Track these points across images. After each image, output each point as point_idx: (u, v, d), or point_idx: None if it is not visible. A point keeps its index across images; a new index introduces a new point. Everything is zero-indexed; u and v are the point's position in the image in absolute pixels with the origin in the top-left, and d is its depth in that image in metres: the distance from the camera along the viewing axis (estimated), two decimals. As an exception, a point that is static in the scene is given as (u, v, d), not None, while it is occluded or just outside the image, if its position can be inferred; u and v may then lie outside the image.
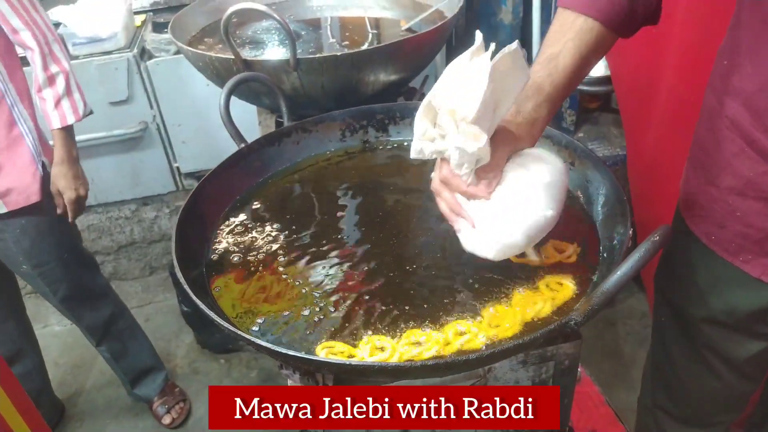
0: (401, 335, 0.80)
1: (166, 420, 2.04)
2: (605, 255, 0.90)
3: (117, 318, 1.91)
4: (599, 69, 2.11)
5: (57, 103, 1.50)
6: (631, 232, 0.84)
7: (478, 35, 0.74)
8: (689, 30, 1.39)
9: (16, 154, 1.49)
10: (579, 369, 1.59)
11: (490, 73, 0.69)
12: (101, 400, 2.20)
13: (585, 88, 2.02)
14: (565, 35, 0.81)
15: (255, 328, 0.85)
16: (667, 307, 1.09)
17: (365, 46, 1.57)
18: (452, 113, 0.72)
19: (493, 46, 0.73)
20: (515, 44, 0.71)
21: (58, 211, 1.59)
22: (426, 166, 1.17)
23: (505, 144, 0.78)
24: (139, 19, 2.37)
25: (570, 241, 0.93)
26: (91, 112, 1.60)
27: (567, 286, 0.86)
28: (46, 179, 1.55)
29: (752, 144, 0.81)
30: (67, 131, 1.54)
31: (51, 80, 1.49)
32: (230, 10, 1.19)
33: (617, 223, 0.89)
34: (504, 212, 0.77)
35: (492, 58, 0.71)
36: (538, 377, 0.92)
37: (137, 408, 2.13)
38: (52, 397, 2.08)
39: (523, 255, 0.87)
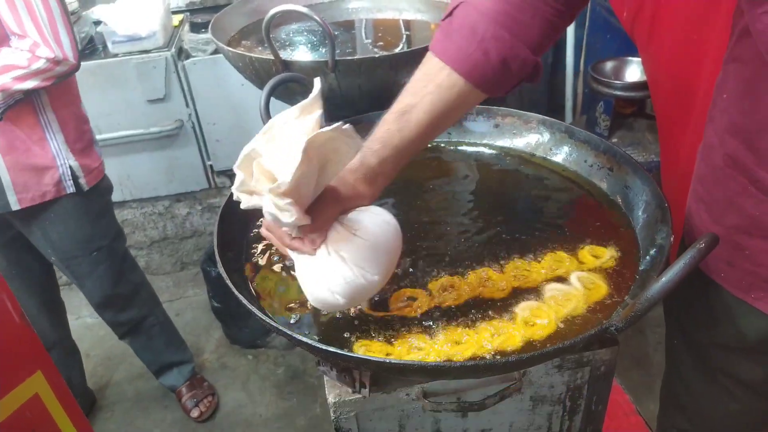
0: (438, 335, 0.80)
1: (195, 413, 2.07)
2: (645, 261, 0.89)
3: (144, 317, 1.95)
4: (635, 74, 2.09)
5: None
6: (672, 238, 0.83)
7: (317, 84, 0.71)
8: (727, 37, 1.37)
9: (35, 156, 1.53)
10: (609, 377, 1.58)
11: (305, 149, 0.63)
12: (131, 391, 2.25)
13: (620, 93, 2.00)
14: (426, 87, 0.76)
15: (292, 322, 0.86)
16: (677, 332, 1.07)
17: (399, 48, 1.58)
18: (267, 176, 0.68)
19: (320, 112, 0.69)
20: (344, 124, 0.66)
21: None
22: (463, 168, 1.18)
23: (335, 204, 0.74)
24: (176, 19, 2.42)
25: (608, 245, 0.93)
26: None
27: (600, 285, 0.87)
28: (75, 180, 1.60)
29: (756, 183, 0.77)
30: None
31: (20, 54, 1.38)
32: (273, 11, 1.21)
33: (658, 229, 0.89)
34: (326, 272, 0.73)
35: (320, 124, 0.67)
36: (573, 382, 0.92)
37: (166, 400, 2.17)
38: (84, 388, 2.13)
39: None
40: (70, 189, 1.60)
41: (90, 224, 1.69)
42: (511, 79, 0.77)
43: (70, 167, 1.59)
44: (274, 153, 0.67)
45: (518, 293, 0.87)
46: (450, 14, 0.77)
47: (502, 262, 0.92)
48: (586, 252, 0.93)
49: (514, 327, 0.81)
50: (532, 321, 0.82)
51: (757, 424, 1.08)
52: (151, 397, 2.21)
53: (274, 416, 2.11)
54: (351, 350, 0.79)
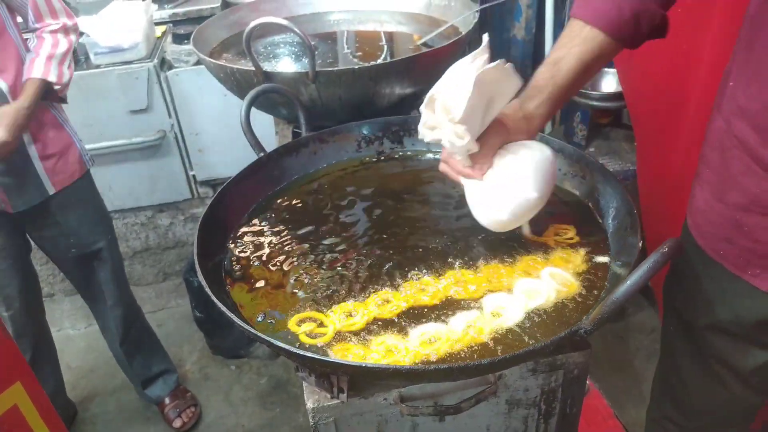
0: (411, 335, 0.82)
1: (177, 423, 2.06)
2: (616, 264, 0.92)
3: (134, 319, 1.97)
4: (611, 85, 2.14)
5: (48, 59, 1.52)
6: (641, 244, 0.86)
7: (485, 38, 0.84)
8: (723, 41, 1.41)
9: (58, 140, 1.63)
10: (588, 382, 1.61)
11: (475, 83, 0.78)
12: (113, 404, 2.23)
13: (596, 103, 2.04)
14: (572, 41, 0.88)
15: (271, 329, 0.87)
16: (674, 317, 1.11)
17: (380, 60, 1.60)
18: (446, 110, 0.82)
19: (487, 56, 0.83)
20: (502, 61, 0.81)
21: None
22: (440, 176, 1.20)
23: (499, 135, 0.88)
24: (159, 30, 2.43)
25: (580, 249, 0.96)
26: (65, 100, 1.66)
27: (573, 284, 0.90)
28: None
29: (759, 161, 0.84)
30: (38, 86, 1.51)
31: (55, 42, 1.54)
32: (253, 23, 1.23)
33: (627, 235, 0.91)
34: (493, 193, 0.88)
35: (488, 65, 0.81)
36: (548, 385, 0.94)
37: (148, 412, 2.16)
38: (65, 399, 2.11)
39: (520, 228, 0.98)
40: (89, 164, 1.75)
41: (101, 205, 1.83)
42: (642, 32, 0.87)
43: (82, 145, 1.72)
44: (452, 91, 0.81)
45: (491, 291, 0.90)
46: None
47: (478, 264, 0.95)
48: (558, 257, 0.96)
49: (483, 318, 0.85)
50: (501, 313, 0.85)
51: (745, 416, 1.11)
52: (133, 408, 2.19)
53: (257, 426, 2.11)
54: (327, 355, 0.81)
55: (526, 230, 0.98)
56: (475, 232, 0.99)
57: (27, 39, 1.57)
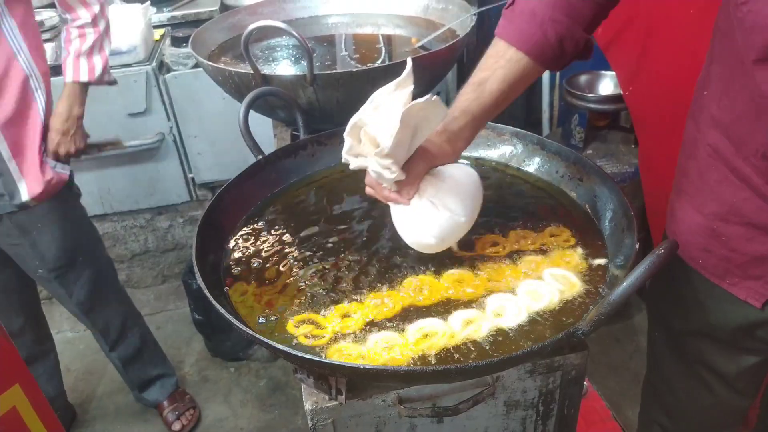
0: (408, 330, 0.82)
1: (176, 426, 2.06)
2: (613, 267, 0.92)
3: (131, 325, 1.95)
4: (608, 87, 2.14)
5: (77, 57, 1.57)
6: (638, 245, 0.87)
7: (408, 64, 0.84)
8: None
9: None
10: (586, 383, 1.61)
11: (402, 118, 0.78)
12: (112, 406, 2.23)
13: (594, 106, 2.05)
14: (497, 63, 0.88)
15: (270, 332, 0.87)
16: (659, 323, 1.11)
17: (378, 63, 1.61)
18: (372, 141, 0.83)
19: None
20: (432, 96, 0.80)
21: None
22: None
23: (424, 161, 0.88)
24: (157, 33, 2.43)
25: (578, 250, 0.97)
26: (113, 82, 1.68)
27: (574, 284, 0.90)
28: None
29: (734, 171, 0.84)
30: (76, 88, 1.59)
31: (82, 36, 1.57)
32: (252, 26, 1.23)
33: (625, 237, 0.92)
34: (419, 218, 0.89)
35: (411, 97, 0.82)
36: (545, 387, 0.94)
37: (147, 414, 2.16)
38: (65, 402, 2.11)
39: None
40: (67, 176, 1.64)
41: (72, 229, 1.69)
42: (566, 55, 0.88)
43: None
44: (377, 121, 0.82)
45: (492, 291, 0.91)
46: (512, 2, 0.88)
47: (476, 263, 0.96)
48: (557, 256, 0.96)
49: (483, 317, 0.85)
50: (502, 313, 0.85)
51: (731, 420, 1.12)
52: (131, 411, 2.19)
53: (256, 429, 2.11)
54: (325, 356, 0.81)
55: (455, 248, 0.98)
56: (473, 233, 1.00)
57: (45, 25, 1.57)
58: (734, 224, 0.87)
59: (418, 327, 0.84)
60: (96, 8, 1.58)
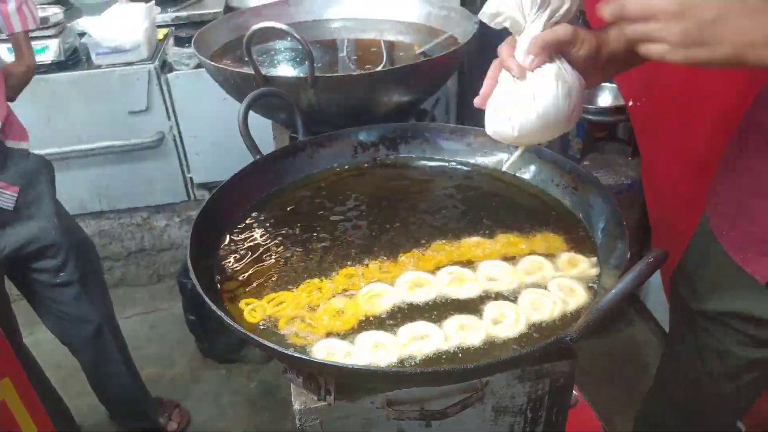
0: (401, 330, 0.83)
1: (172, 426, 2.05)
2: (604, 275, 0.93)
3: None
4: (607, 99, 2.16)
5: (19, 8, 1.55)
6: (629, 255, 0.87)
7: None
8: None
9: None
10: (576, 393, 1.61)
11: None
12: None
13: (592, 117, 2.06)
14: None
15: (261, 328, 0.87)
16: (677, 304, 1.12)
17: (380, 68, 1.62)
18: None
19: None
20: None
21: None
22: (432, 183, 1.22)
23: (571, 30, 0.79)
24: (161, 33, 2.44)
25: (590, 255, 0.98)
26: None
27: (580, 296, 0.90)
28: None
29: None
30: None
31: None
32: (254, 27, 1.24)
33: (616, 246, 0.92)
34: (521, 99, 0.81)
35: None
36: (534, 393, 0.94)
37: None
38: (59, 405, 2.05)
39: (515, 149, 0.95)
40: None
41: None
42: None
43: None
44: None
45: (492, 296, 0.91)
46: None
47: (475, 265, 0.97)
48: (565, 260, 0.97)
49: (480, 323, 0.85)
50: (501, 320, 0.85)
51: (728, 419, 1.12)
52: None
53: (245, 431, 2.10)
54: (314, 354, 0.81)
55: (514, 158, 0.96)
56: (471, 234, 1.01)
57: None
58: (760, 198, 0.89)
59: (410, 329, 0.84)
60: None
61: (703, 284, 1.02)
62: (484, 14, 0.83)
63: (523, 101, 0.81)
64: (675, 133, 1.71)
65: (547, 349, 0.76)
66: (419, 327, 0.84)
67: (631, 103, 1.82)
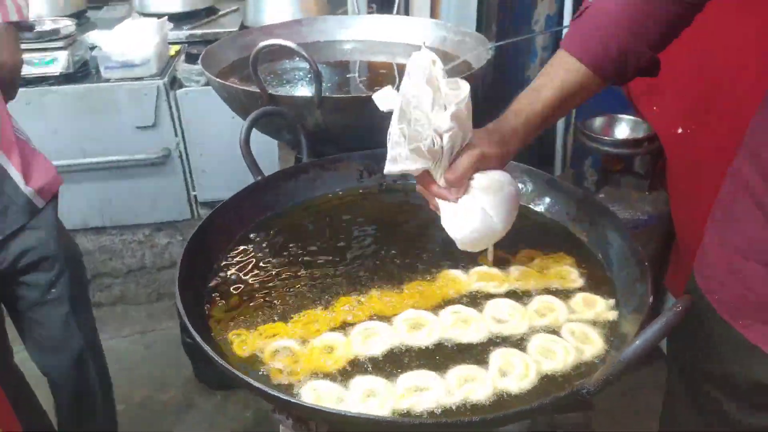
0: (398, 378, 0.76)
1: None
2: (624, 321, 0.85)
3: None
4: (624, 131, 2.10)
5: None
6: (651, 299, 0.80)
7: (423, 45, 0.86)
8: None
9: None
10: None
11: (451, 116, 0.80)
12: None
13: (609, 149, 2.00)
14: (555, 71, 0.88)
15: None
16: (676, 367, 1.05)
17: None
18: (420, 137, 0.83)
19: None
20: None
21: None
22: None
23: (473, 159, 0.86)
24: (173, 49, 2.43)
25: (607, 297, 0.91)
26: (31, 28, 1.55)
27: (595, 342, 0.82)
28: None
29: (761, 206, 0.80)
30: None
31: None
32: (261, 44, 1.21)
33: (637, 287, 0.86)
34: (464, 216, 0.88)
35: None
36: (545, 446, 0.87)
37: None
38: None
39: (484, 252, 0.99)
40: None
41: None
42: (629, 70, 0.86)
43: None
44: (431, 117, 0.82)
45: (499, 341, 0.84)
46: (580, 15, 0.88)
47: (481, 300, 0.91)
48: (579, 301, 0.90)
49: (486, 375, 0.77)
50: (508, 371, 0.78)
51: None
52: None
53: (239, 461, 2.02)
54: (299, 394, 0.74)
55: (490, 256, 0.99)
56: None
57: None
58: (753, 261, 0.82)
59: (408, 378, 0.76)
60: None
61: (702, 347, 0.95)
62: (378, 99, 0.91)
63: (457, 223, 0.89)
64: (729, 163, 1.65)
65: (561, 402, 0.69)
66: (418, 377, 0.76)
67: (680, 131, 1.76)
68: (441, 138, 0.81)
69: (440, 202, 0.92)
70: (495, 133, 0.88)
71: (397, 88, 0.86)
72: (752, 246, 0.83)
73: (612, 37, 0.83)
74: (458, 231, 0.90)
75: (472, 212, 0.87)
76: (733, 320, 0.87)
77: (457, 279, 0.96)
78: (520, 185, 1.15)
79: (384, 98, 0.91)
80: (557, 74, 0.87)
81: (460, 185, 0.87)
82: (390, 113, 0.85)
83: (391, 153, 0.84)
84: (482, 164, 0.87)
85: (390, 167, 0.85)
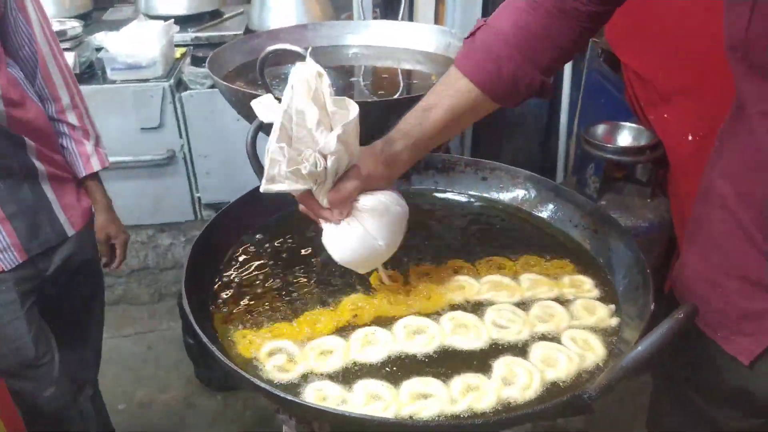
0: (402, 384, 0.76)
1: None
2: (626, 328, 0.86)
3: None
4: (627, 139, 2.10)
5: (96, 147, 1.46)
6: (653, 306, 0.81)
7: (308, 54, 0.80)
8: None
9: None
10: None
11: (338, 138, 0.75)
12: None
13: (611, 157, 2.01)
14: (446, 90, 0.86)
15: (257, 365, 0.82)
16: (660, 372, 1.05)
17: (397, 95, 1.59)
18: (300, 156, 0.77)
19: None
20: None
21: (104, 260, 1.54)
22: (444, 216, 1.17)
23: (358, 180, 0.83)
24: (179, 52, 2.44)
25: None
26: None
27: (596, 349, 0.83)
28: None
29: (740, 224, 0.80)
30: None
31: (86, 133, 1.45)
32: (268, 48, 1.22)
33: (639, 296, 0.86)
34: (346, 238, 0.85)
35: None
36: (545, 450, 0.88)
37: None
38: None
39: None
40: None
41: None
42: (520, 93, 0.85)
43: None
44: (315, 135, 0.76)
45: (500, 348, 0.84)
46: (473, 34, 0.86)
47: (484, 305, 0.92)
48: (580, 307, 0.91)
49: (489, 384, 0.77)
50: (512, 380, 0.78)
51: None
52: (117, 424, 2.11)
53: (238, 462, 2.02)
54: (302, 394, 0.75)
55: (385, 278, 0.96)
56: (488, 272, 0.95)
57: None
58: (734, 278, 0.83)
59: (413, 385, 0.77)
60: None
61: (684, 356, 0.94)
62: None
63: (338, 243, 0.86)
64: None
65: (561, 406, 0.70)
66: (422, 384, 0.77)
67: (690, 138, 1.76)
68: (325, 159, 0.76)
69: (324, 226, 0.88)
70: (382, 153, 0.86)
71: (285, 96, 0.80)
72: (733, 263, 0.82)
73: (505, 59, 0.82)
74: (338, 251, 0.86)
75: (354, 233, 0.84)
76: (712, 333, 0.87)
77: (468, 285, 0.96)
78: (524, 192, 1.16)
79: (264, 107, 0.86)
80: (448, 94, 0.85)
81: (343, 207, 0.84)
82: (270, 124, 0.79)
83: (269, 171, 0.78)
84: (368, 186, 0.84)
85: (267, 186, 0.78)
